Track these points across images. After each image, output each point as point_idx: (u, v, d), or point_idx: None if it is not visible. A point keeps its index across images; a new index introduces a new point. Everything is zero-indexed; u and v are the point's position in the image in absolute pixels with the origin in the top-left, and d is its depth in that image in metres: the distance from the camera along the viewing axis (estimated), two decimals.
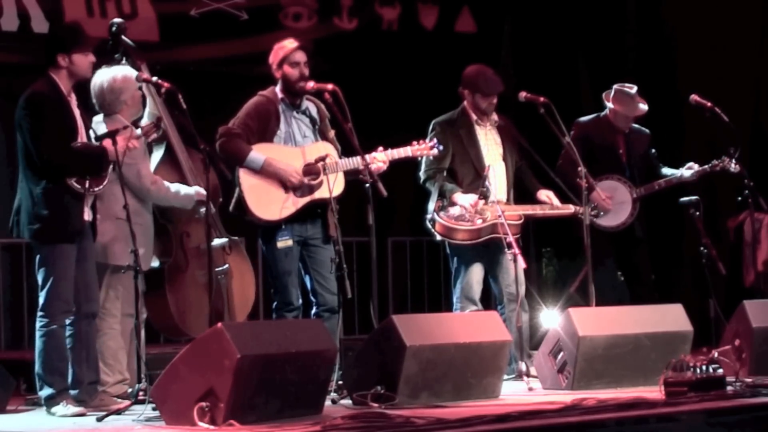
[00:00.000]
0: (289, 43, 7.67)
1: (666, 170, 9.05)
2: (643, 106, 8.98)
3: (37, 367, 6.86)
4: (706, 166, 8.91)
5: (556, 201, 8.29)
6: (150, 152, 7.62)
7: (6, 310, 9.71)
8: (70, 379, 6.87)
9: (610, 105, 8.99)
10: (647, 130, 9.16)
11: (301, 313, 7.60)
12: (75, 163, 6.78)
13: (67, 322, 6.86)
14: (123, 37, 7.68)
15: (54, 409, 6.77)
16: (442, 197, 8.18)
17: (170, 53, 9.23)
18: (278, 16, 10.76)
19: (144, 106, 7.61)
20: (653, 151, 9.14)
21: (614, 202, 8.84)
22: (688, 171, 8.92)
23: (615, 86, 9.02)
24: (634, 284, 9.06)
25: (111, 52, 7.66)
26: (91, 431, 6.30)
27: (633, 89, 8.96)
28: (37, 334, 6.84)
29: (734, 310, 8.01)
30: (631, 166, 9.00)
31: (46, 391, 6.82)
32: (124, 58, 7.63)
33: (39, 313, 6.86)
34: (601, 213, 8.50)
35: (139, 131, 7.18)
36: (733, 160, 8.80)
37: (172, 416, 6.12)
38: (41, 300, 6.85)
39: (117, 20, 7.81)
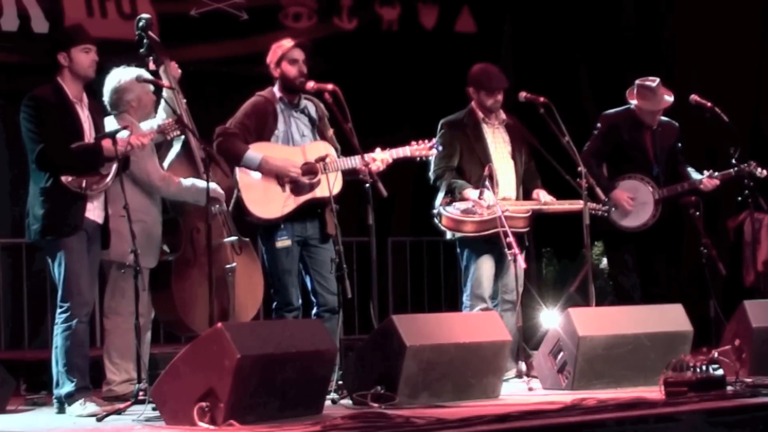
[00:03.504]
0: (287, 42, 7.70)
1: (690, 170, 9.01)
2: (668, 98, 8.90)
3: (58, 365, 6.85)
4: (731, 170, 8.85)
5: (545, 198, 8.29)
6: (169, 147, 7.64)
7: (6, 310, 9.71)
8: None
9: (634, 102, 8.93)
10: (676, 123, 9.10)
11: (301, 313, 7.60)
12: (67, 160, 6.77)
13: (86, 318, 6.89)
14: (150, 32, 7.68)
15: (71, 408, 6.77)
16: (451, 194, 8.21)
17: (170, 53, 9.19)
18: (278, 16, 10.77)
19: (156, 109, 7.63)
20: (679, 145, 9.10)
21: (636, 203, 8.85)
22: (711, 177, 8.85)
23: (637, 81, 8.96)
24: (649, 285, 9.01)
25: (136, 48, 7.66)
26: (91, 431, 6.31)
27: (655, 82, 8.89)
28: (58, 330, 6.85)
29: (734, 310, 8.00)
30: (659, 162, 8.97)
31: (65, 389, 6.82)
32: (149, 54, 7.63)
33: (58, 310, 6.88)
34: (613, 209, 8.50)
35: (156, 127, 7.23)
36: (757, 167, 8.81)
37: (172, 416, 6.12)
38: (59, 298, 6.88)
39: (145, 15, 7.80)
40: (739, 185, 8.92)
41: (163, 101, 7.58)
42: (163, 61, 7.62)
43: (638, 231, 8.88)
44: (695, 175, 8.96)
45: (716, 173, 8.87)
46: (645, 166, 8.95)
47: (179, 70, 7.67)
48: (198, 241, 7.56)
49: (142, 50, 7.66)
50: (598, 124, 9.08)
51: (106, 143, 6.81)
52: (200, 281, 7.47)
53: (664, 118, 9.03)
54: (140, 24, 7.70)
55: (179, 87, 7.63)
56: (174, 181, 7.42)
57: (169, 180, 7.40)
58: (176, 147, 7.69)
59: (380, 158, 7.55)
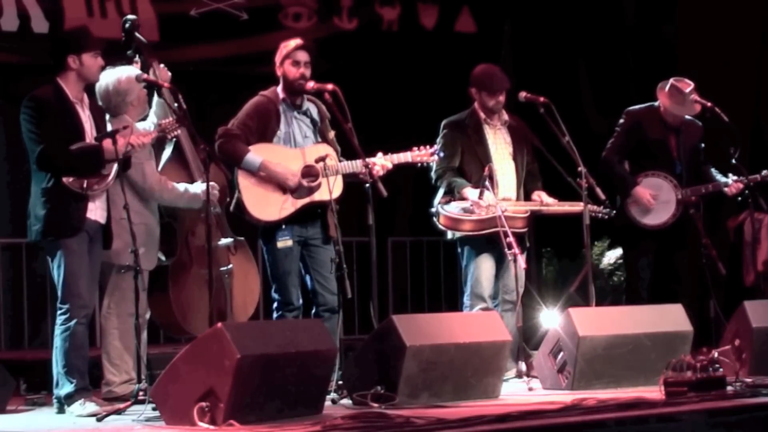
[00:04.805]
0: (293, 42, 7.68)
1: (713, 171, 8.95)
2: (696, 107, 8.79)
3: (57, 365, 6.85)
4: (758, 175, 8.80)
5: (547, 200, 8.30)
6: (160, 150, 7.63)
7: (6, 310, 9.71)
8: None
9: (662, 101, 8.85)
10: (700, 122, 9.01)
11: (301, 313, 7.60)
12: (69, 162, 6.77)
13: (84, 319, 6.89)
14: (136, 33, 7.67)
15: (71, 408, 6.77)
16: (450, 193, 8.21)
17: (170, 53, 9.21)
18: (278, 16, 10.76)
19: (150, 104, 7.63)
20: (702, 145, 9.05)
21: (658, 201, 8.82)
22: (738, 181, 8.79)
23: (672, 80, 8.86)
24: (671, 282, 8.97)
25: (123, 49, 7.65)
26: (91, 431, 6.31)
27: (688, 87, 8.79)
28: (57, 331, 6.85)
29: (734, 310, 8.01)
30: (682, 161, 8.91)
31: (65, 389, 6.82)
32: (136, 55, 7.63)
33: (58, 311, 6.88)
34: (613, 213, 8.49)
35: (156, 127, 7.23)
36: None
37: (172, 416, 6.12)
38: (58, 299, 6.88)
39: (131, 17, 7.77)
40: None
41: (156, 101, 7.57)
42: (151, 63, 7.61)
43: (657, 229, 8.85)
44: (719, 177, 8.92)
45: (743, 177, 8.82)
46: (668, 164, 8.91)
47: (168, 73, 7.61)
48: (193, 245, 7.57)
49: (129, 51, 7.64)
50: (621, 120, 9.01)
51: (107, 144, 6.80)
52: (197, 284, 7.48)
53: (688, 117, 8.96)
54: (126, 26, 7.68)
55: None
56: (169, 186, 7.41)
57: (164, 184, 7.40)
58: (167, 151, 7.68)
59: (380, 164, 7.54)
